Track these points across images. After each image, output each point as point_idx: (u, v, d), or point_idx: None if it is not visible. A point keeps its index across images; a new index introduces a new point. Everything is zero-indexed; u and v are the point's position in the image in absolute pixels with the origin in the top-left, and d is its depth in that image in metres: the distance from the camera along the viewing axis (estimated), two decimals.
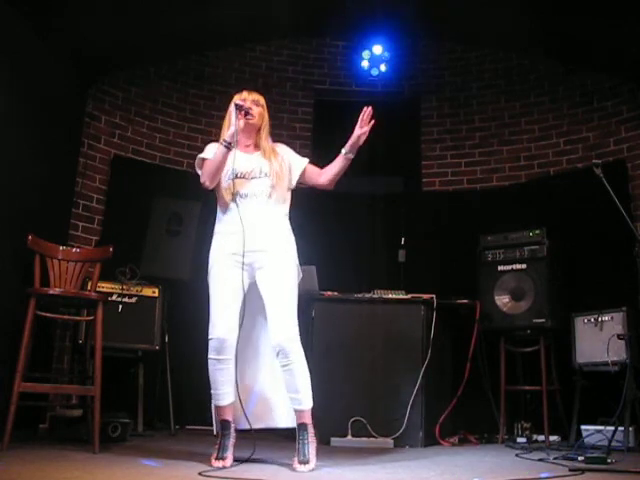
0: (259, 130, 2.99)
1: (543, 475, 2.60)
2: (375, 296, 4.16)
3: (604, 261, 4.45)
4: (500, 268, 4.43)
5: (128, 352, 4.19)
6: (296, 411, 2.81)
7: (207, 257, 2.95)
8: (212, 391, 2.84)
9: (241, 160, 2.90)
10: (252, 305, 2.91)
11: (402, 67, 5.61)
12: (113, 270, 4.17)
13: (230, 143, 2.82)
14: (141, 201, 4.65)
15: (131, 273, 4.27)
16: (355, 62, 5.63)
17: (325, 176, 3.01)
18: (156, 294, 4.28)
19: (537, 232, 4.36)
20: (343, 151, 2.95)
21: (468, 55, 5.70)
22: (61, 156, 4.45)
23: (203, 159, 2.95)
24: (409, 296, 4.13)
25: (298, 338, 2.79)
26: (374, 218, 5.26)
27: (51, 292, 3.35)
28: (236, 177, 2.87)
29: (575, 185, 4.78)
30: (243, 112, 2.89)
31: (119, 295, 4.17)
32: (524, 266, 4.35)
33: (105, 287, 4.09)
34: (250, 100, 2.96)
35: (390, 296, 4.14)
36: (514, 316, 4.29)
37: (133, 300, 4.21)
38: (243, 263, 2.82)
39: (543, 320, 4.15)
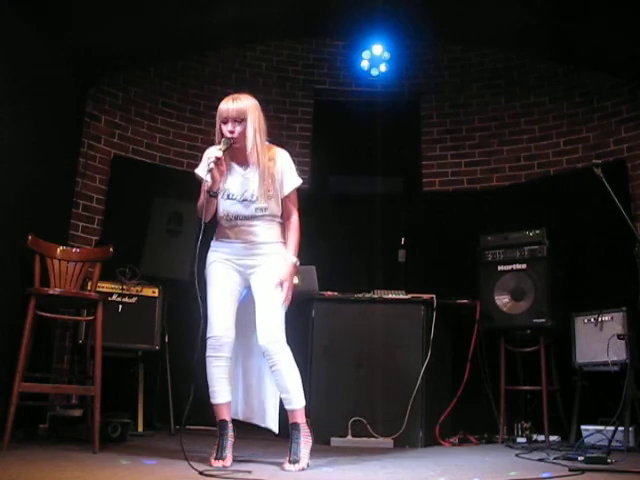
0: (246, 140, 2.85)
1: (545, 475, 2.60)
2: (375, 296, 4.16)
3: (604, 261, 4.45)
4: (500, 268, 4.42)
5: (128, 352, 4.19)
6: (288, 411, 2.82)
7: (206, 257, 2.97)
8: (209, 389, 2.85)
9: (234, 181, 2.88)
10: (248, 309, 2.93)
11: (402, 67, 5.61)
12: (113, 270, 4.17)
13: (215, 192, 2.79)
14: (141, 201, 4.65)
15: (131, 273, 4.27)
16: (355, 62, 5.63)
17: (286, 220, 2.97)
18: (156, 294, 4.27)
19: (537, 232, 4.36)
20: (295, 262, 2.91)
21: (468, 55, 5.70)
22: (61, 156, 4.45)
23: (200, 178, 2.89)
24: (409, 296, 4.13)
25: (283, 339, 2.81)
26: (374, 218, 5.26)
27: (51, 292, 3.35)
28: (228, 198, 2.87)
29: (575, 185, 4.78)
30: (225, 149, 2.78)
31: (119, 295, 4.17)
32: (524, 266, 4.34)
33: (105, 287, 4.08)
34: (232, 118, 2.80)
35: (390, 296, 4.14)
36: (514, 316, 4.29)
37: (133, 300, 4.21)
38: (241, 268, 2.90)
39: (543, 320, 4.15)
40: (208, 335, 2.84)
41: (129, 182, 4.91)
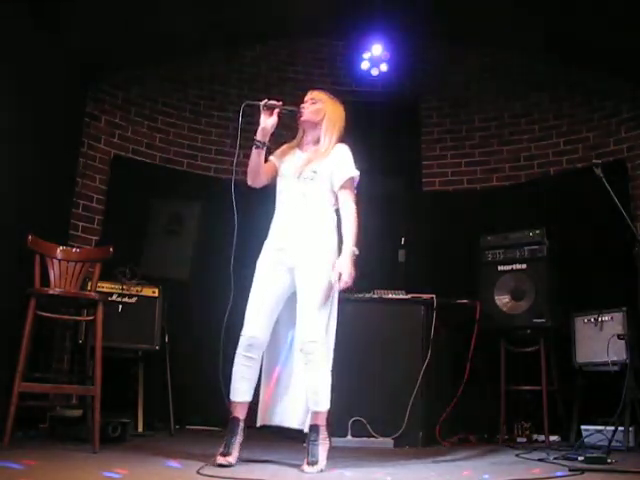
0: (318, 126, 2.99)
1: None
2: (375, 296, 4.16)
3: (604, 261, 4.44)
4: (500, 268, 4.42)
5: (128, 352, 4.19)
6: (311, 412, 2.81)
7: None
8: (231, 384, 2.82)
9: (292, 158, 2.97)
10: (289, 305, 2.91)
11: (402, 67, 5.60)
12: (113, 270, 4.17)
13: (260, 142, 2.86)
14: (141, 201, 4.65)
15: (131, 273, 4.27)
16: (355, 62, 5.61)
17: (341, 210, 2.97)
18: (156, 294, 4.27)
19: (537, 232, 4.36)
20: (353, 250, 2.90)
21: (468, 55, 5.69)
22: (61, 156, 4.45)
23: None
24: (409, 296, 4.13)
25: (322, 340, 2.79)
26: (374, 218, 5.24)
27: (51, 292, 3.34)
28: (284, 175, 2.94)
29: (575, 185, 4.78)
30: (277, 110, 2.90)
31: (119, 295, 4.17)
32: (524, 266, 4.34)
33: (105, 287, 4.08)
34: (309, 98, 3.00)
35: (390, 296, 4.14)
36: (514, 316, 4.29)
37: (133, 300, 4.21)
38: (288, 260, 2.85)
39: (543, 320, 4.15)
40: (243, 333, 2.81)
41: (129, 182, 4.91)
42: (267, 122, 2.89)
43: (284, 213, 2.92)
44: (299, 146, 3.05)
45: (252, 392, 2.83)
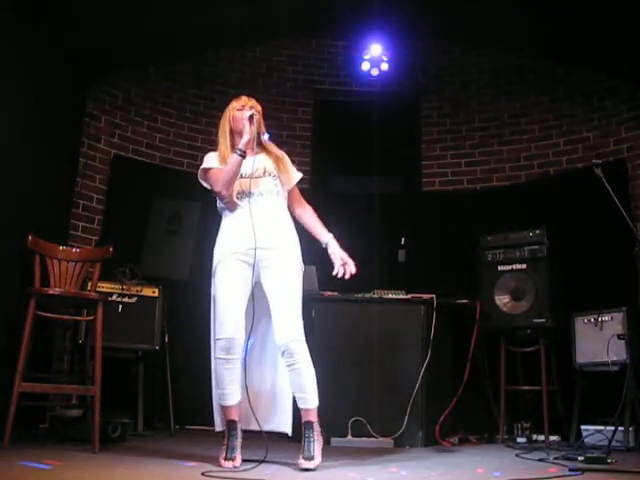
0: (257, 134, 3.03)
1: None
2: (375, 296, 4.16)
3: (604, 261, 4.44)
4: (500, 268, 4.43)
5: (128, 352, 4.19)
6: (302, 410, 2.82)
7: (210, 257, 2.95)
8: (219, 390, 2.84)
9: (245, 161, 2.93)
10: (259, 305, 2.90)
11: (402, 67, 5.60)
12: (113, 270, 4.17)
13: (245, 152, 2.85)
14: (141, 201, 4.65)
15: (131, 273, 4.27)
16: (355, 62, 5.61)
17: (299, 214, 3.08)
18: (156, 294, 4.27)
19: (537, 232, 4.37)
20: (326, 242, 3.03)
21: (468, 55, 5.70)
22: (61, 156, 4.45)
23: (206, 170, 2.96)
24: (409, 296, 4.13)
25: (304, 338, 2.81)
26: (374, 218, 5.26)
27: (51, 292, 3.35)
28: (241, 177, 2.90)
29: (575, 185, 4.78)
30: (253, 120, 2.93)
31: (119, 295, 4.17)
32: (524, 266, 4.35)
33: (105, 287, 4.08)
34: (249, 106, 3.01)
35: (390, 296, 4.14)
36: (514, 316, 4.29)
37: (133, 300, 4.21)
38: (253, 259, 2.83)
39: (543, 320, 4.15)
40: (219, 336, 2.80)
41: (129, 182, 4.91)
42: (253, 133, 2.90)
43: (249, 213, 2.86)
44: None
45: (240, 391, 2.83)
